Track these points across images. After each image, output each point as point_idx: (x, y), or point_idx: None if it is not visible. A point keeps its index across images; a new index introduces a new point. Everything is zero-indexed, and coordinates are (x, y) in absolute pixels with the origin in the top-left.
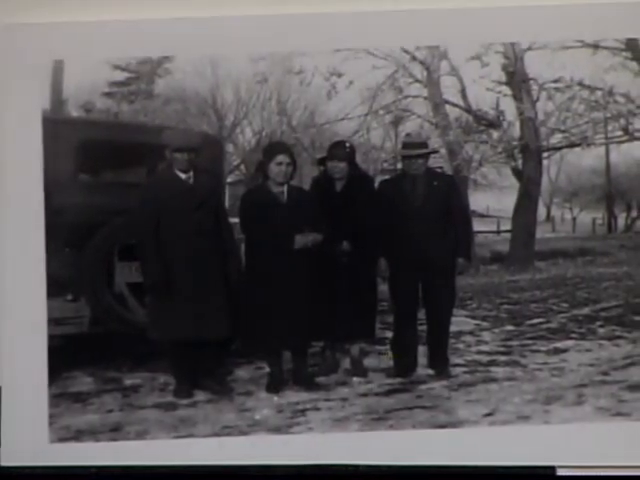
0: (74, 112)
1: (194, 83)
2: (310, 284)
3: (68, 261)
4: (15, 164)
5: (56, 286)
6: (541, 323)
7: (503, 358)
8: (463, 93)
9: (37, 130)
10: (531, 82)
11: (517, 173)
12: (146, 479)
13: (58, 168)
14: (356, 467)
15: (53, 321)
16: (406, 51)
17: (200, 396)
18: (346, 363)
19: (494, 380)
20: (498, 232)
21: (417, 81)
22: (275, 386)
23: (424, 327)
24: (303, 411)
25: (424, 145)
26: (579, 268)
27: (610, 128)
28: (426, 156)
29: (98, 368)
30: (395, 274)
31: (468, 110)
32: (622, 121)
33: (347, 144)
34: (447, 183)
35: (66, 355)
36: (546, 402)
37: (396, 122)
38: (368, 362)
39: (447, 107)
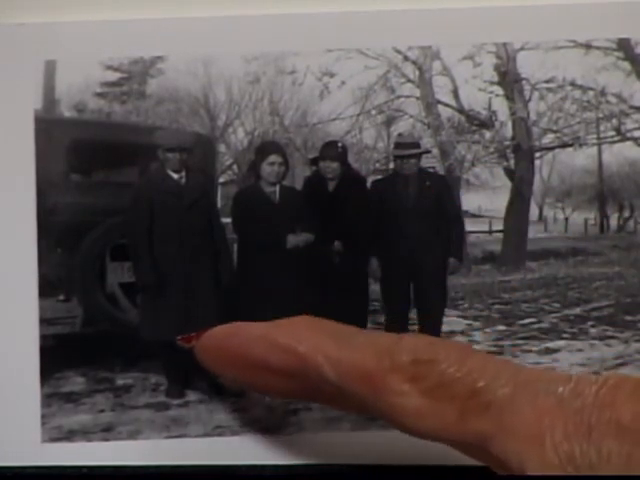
0: (66, 112)
1: (186, 83)
2: (302, 284)
3: (60, 261)
4: (7, 164)
5: (48, 286)
6: (533, 323)
7: None
8: (455, 93)
9: (29, 130)
10: (523, 82)
11: (509, 173)
12: (138, 479)
13: (50, 168)
14: (348, 467)
15: (45, 321)
16: (398, 51)
17: (192, 396)
18: None
19: None
20: (490, 232)
21: (409, 81)
22: None
23: (416, 327)
24: (295, 411)
25: (416, 145)
26: (571, 268)
27: (602, 128)
28: (418, 156)
29: (90, 368)
30: (387, 274)
31: (460, 110)
32: (614, 121)
33: (339, 144)
34: (439, 183)
35: (58, 355)
36: None
37: (388, 122)
38: None
39: (439, 107)
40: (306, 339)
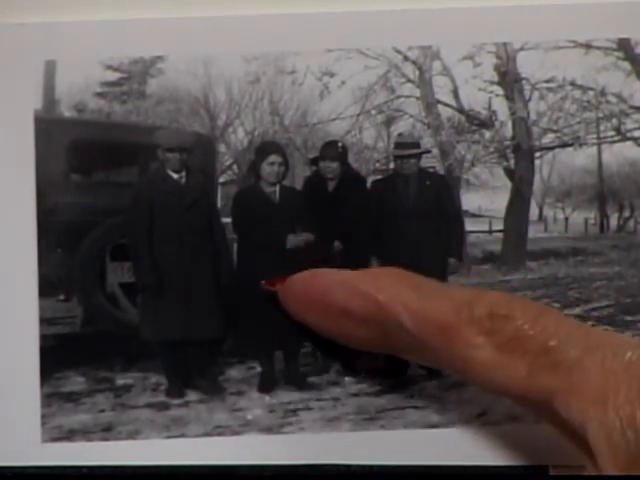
0: (66, 112)
1: (186, 83)
2: None
3: (60, 261)
4: (7, 164)
5: (48, 286)
6: None
7: None
8: (455, 93)
9: (29, 130)
10: (523, 82)
11: (509, 173)
12: (138, 479)
13: (50, 168)
14: (348, 467)
15: (45, 321)
16: (398, 51)
17: (192, 396)
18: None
19: None
20: (490, 232)
21: (409, 81)
22: (267, 386)
23: None
24: (295, 411)
25: (416, 145)
26: (571, 268)
27: (602, 128)
28: (418, 156)
29: (90, 368)
30: None
31: (460, 110)
32: (614, 121)
33: (339, 144)
34: (439, 183)
35: (58, 355)
36: None
37: (388, 122)
38: (359, 362)
39: (439, 107)
40: (386, 288)
